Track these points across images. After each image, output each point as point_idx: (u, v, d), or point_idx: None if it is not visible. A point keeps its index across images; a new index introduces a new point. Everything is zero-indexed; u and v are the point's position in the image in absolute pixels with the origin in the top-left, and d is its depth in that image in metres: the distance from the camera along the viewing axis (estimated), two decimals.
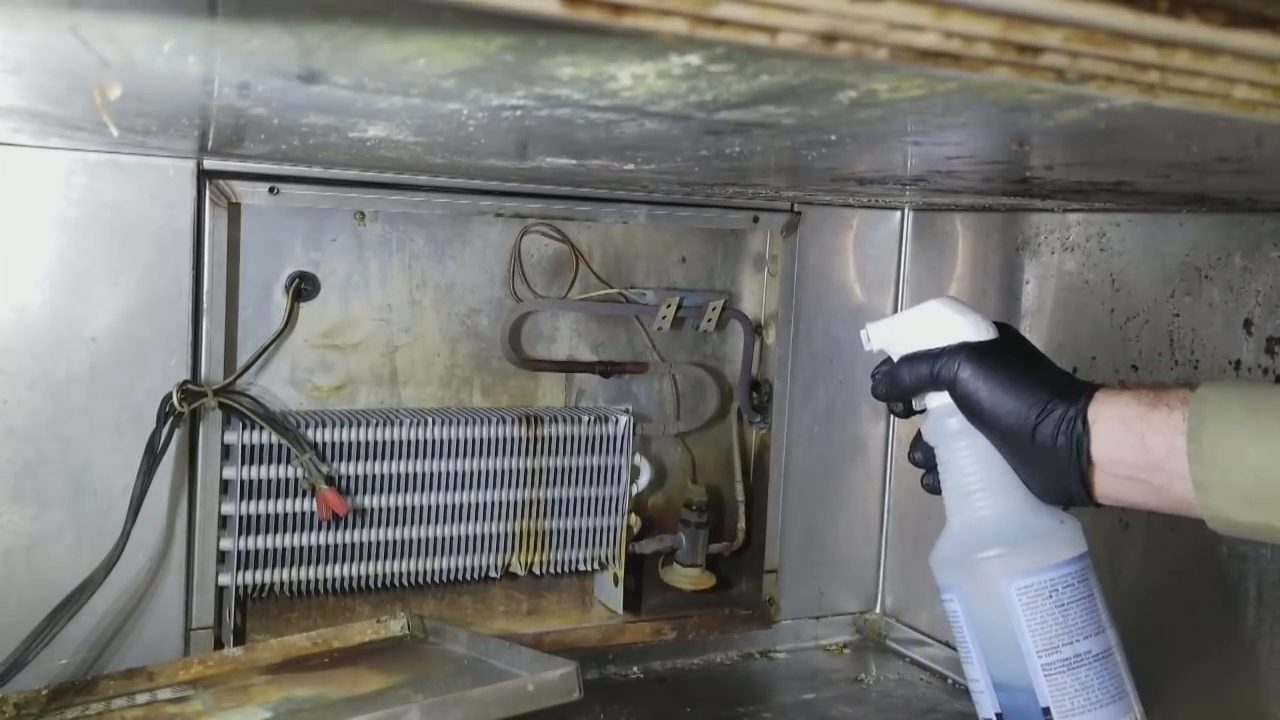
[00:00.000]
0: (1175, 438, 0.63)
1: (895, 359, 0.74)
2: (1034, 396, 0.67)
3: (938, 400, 0.72)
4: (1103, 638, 0.69)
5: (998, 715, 0.71)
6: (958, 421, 0.71)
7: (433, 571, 1.23)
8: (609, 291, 1.32)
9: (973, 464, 0.71)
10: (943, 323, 0.72)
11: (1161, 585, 1.14)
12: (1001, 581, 0.69)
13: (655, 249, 1.36)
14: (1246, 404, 0.62)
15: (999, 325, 0.73)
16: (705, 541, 1.37)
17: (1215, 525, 0.63)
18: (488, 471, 1.23)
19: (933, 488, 0.75)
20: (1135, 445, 0.64)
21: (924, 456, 0.76)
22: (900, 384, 0.73)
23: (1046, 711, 0.68)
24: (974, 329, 0.71)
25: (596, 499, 1.30)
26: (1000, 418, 0.68)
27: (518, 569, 1.28)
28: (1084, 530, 0.71)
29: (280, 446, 1.14)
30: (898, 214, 1.48)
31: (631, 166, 0.88)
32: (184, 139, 0.88)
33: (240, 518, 1.13)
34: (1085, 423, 0.66)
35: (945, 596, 0.73)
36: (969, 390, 0.69)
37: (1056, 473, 0.67)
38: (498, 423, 1.23)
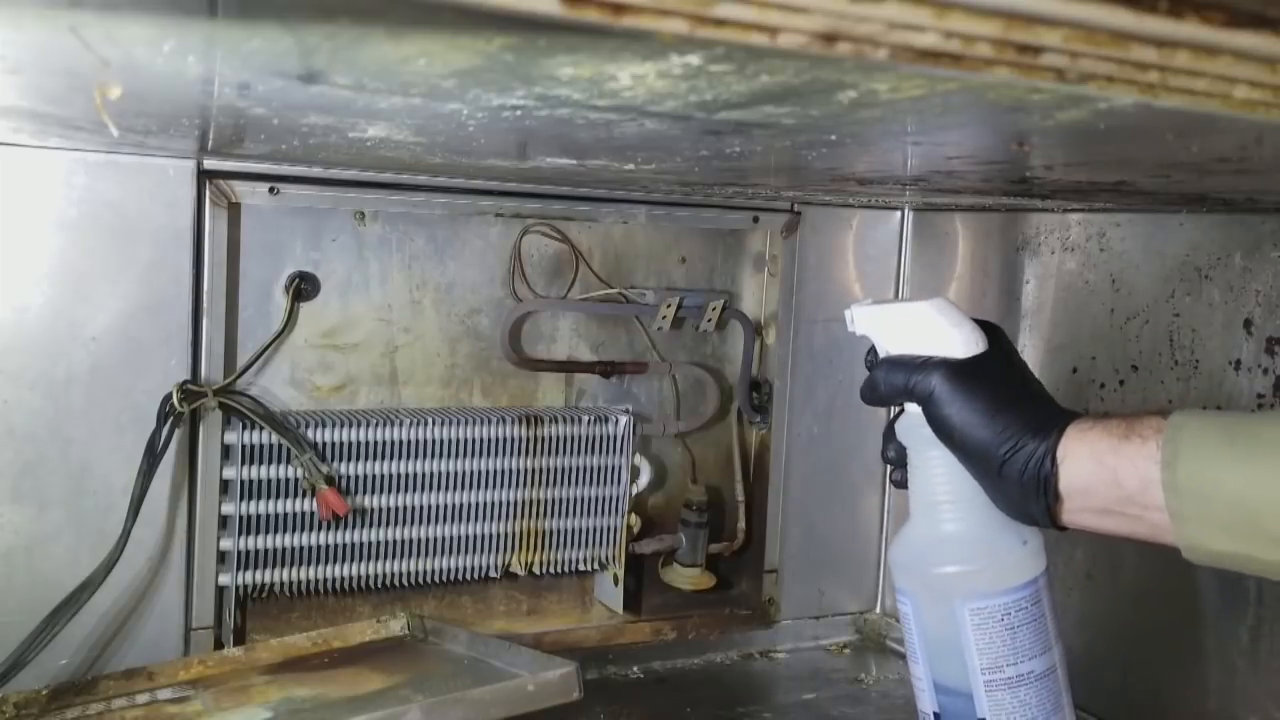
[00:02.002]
0: (1149, 468, 0.62)
1: (878, 350, 0.73)
2: (1005, 431, 0.66)
3: (914, 404, 0.71)
4: (1047, 656, 0.69)
5: (935, 714, 0.72)
6: (932, 430, 0.70)
7: (433, 571, 1.23)
8: (609, 291, 1.32)
9: (943, 475, 0.70)
10: (929, 329, 0.70)
11: (1161, 585, 1.14)
12: (956, 599, 0.69)
13: (655, 249, 1.36)
14: (1222, 431, 0.61)
15: (991, 331, 0.71)
16: (705, 541, 1.37)
17: (1191, 555, 0.62)
18: (488, 471, 1.23)
19: (902, 484, 0.74)
20: (1107, 480, 0.64)
21: (896, 454, 0.74)
22: (877, 391, 0.72)
23: None
24: (961, 342, 0.69)
25: (596, 499, 1.30)
26: (969, 447, 0.67)
27: (518, 569, 1.28)
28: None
29: (280, 446, 1.14)
30: (898, 214, 1.48)
31: (631, 166, 0.88)
32: (184, 139, 0.88)
33: (240, 518, 1.13)
34: (1054, 460, 0.65)
35: (899, 598, 0.73)
36: (940, 413, 0.68)
37: (1022, 502, 0.67)
38: (498, 423, 1.23)
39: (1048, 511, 0.66)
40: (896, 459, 0.75)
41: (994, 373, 0.69)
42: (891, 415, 0.76)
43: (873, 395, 0.72)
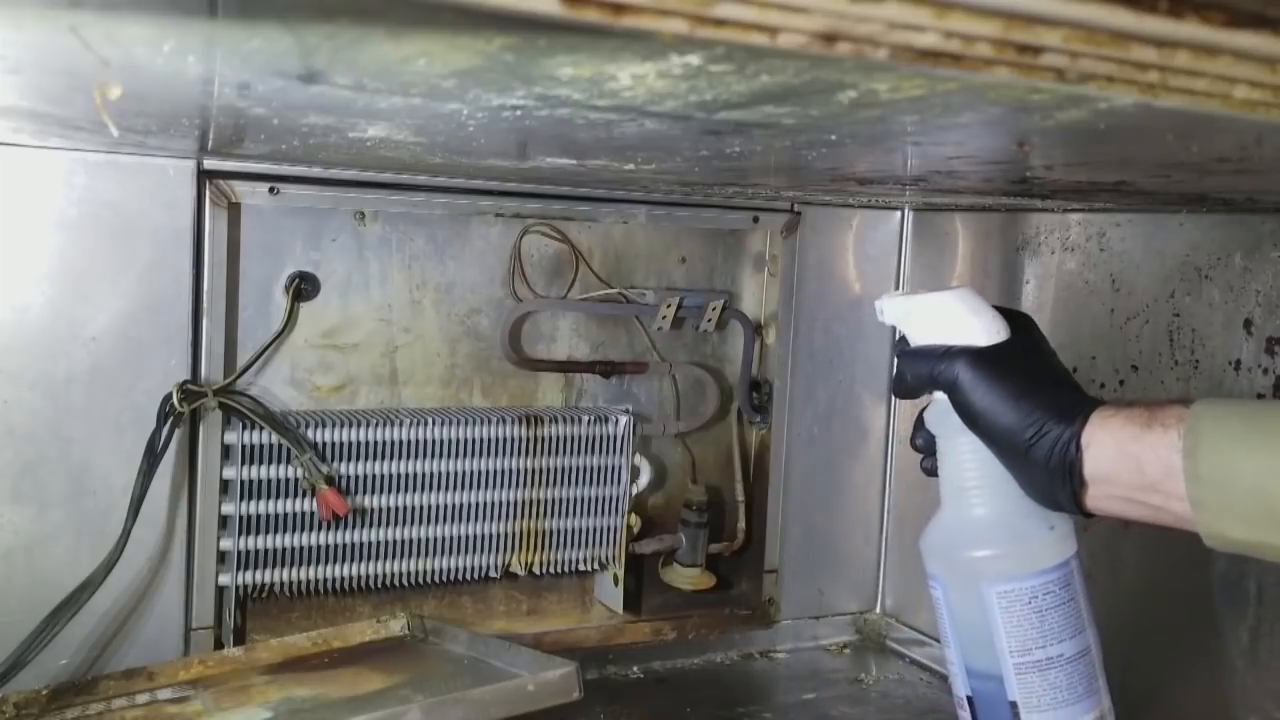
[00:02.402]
0: (1172, 457, 0.63)
1: (908, 339, 0.74)
2: (1029, 416, 0.67)
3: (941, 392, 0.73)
4: (1079, 639, 0.70)
5: (968, 698, 0.73)
6: (959, 418, 0.71)
7: (433, 571, 1.23)
8: (609, 291, 1.32)
9: (972, 461, 0.71)
10: (954, 319, 0.71)
11: (1161, 585, 1.14)
12: (984, 583, 0.70)
13: (655, 249, 1.36)
14: (1243, 420, 0.62)
15: (1017, 319, 0.72)
16: (705, 541, 1.37)
17: (1212, 543, 0.63)
18: (488, 471, 1.23)
19: (932, 472, 0.76)
20: (1131, 468, 0.64)
21: (925, 442, 0.76)
22: (904, 382, 0.73)
23: (1014, 705, 0.70)
24: (985, 331, 0.70)
25: (596, 499, 1.30)
26: (995, 433, 0.68)
27: (518, 569, 1.28)
28: (1080, 529, 0.72)
29: (280, 446, 1.14)
30: (898, 214, 1.48)
31: (631, 166, 0.88)
32: (184, 139, 0.88)
33: (240, 518, 1.13)
34: (1078, 446, 0.66)
35: (930, 583, 0.74)
36: (965, 401, 0.69)
37: (1049, 488, 0.68)
38: (498, 423, 1.23)
39: (1074, 497, 0.67)
40: (925, 447, 0.76)
41: (1017, 360, 0.70)
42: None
43: (901, 387, 0.74)
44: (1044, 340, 0.73)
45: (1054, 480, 0.67)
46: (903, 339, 0.75)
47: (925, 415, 0.75)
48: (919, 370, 0.71)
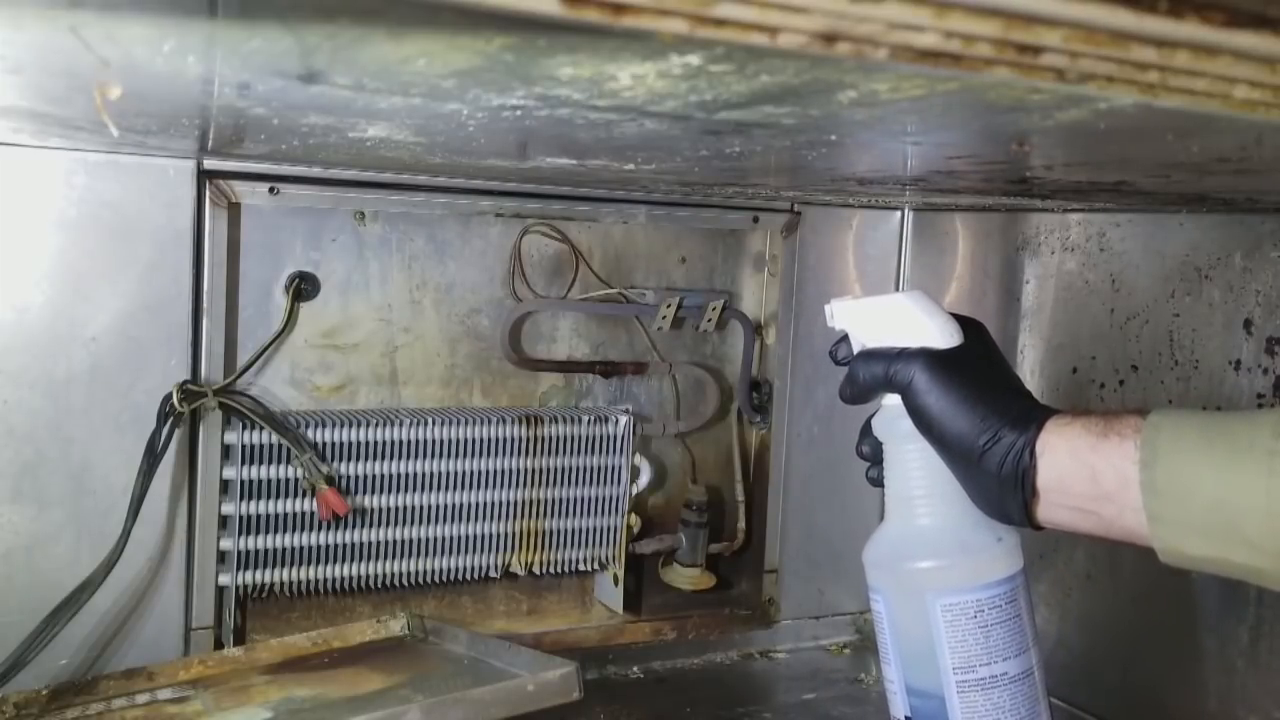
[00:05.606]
0: (1128, 468, 0.61)
1: (854, 344, 0.72)
2: (985, 421, 0.65)
3: (891, 398, 0.70)
4: (1023, 658, 0.68)
5: (907, 718, 0.70)
6: (909, 424, 0.69)
7: (433, 571, 1.23)
8: (609, 291, 1.32)
9: (919, 469, 0.69)
10: (908, 321, 0.69)
11: (1161, 585, 1.14)
12: (928, 595, 0.68)
13: (655, 249, 1.36)
14: (1201, 431, 0.60)
15: (969, 325, 0.70)
16: (705, 541, 1.37)
17: (1167, 558, 0.61)
18: (488, 471, 1.23)
19: (877, 481, 0.74)
20: (1085, 478, 0.63)
21: (872, 450, 0.74)
22: (856, 383, 0.71)
23: None
24: (940, 333, 0.68)
25: (596, 499, 1.30)
26: (948, 438, 0.66)
27: (518, 569, 1.28)
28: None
29: (280, 446, 1.14)
30: (898, 214, 1.48)
31: (631, 166, 0.88)
32: (184, 139, 0.88)
33: (240, 518, 1.13)
34: (1033, 455, 0.64)
35: (872, 596, 0.72)
36: (920, 403, 0.67)
37: (999, 497, 0.66)
38: (498, 423, 1.23)
39: (1024, 507, 0.65)
40: (872, 454, 0.74)
41: (973, 364, 0.68)
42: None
43: (852, 389, 0.71)
44: (996, 347, 0.72)
45: (1005, 489, 0.65)
46: (839, 341, 0.73)
47: (873, 421, 0.72)
48: (873, 371, 0.69)
